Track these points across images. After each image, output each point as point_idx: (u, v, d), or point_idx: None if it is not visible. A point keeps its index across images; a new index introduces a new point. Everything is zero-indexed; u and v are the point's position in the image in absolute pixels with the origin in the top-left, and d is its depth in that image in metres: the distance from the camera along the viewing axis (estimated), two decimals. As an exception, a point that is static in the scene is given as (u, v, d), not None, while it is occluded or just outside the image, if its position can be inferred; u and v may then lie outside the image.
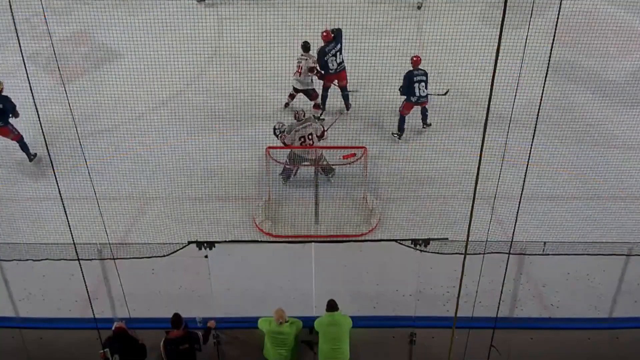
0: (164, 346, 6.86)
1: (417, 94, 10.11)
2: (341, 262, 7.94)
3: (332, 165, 9.48)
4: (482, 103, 10.37)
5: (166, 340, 6.87)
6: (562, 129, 10.02)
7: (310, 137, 9.22)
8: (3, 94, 9.64)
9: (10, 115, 9.67)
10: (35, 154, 10.07)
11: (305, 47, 10.51)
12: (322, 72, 10.57)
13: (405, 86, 10.11)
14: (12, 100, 9.64)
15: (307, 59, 10.48)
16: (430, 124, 10.71)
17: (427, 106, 10.49)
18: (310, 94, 10.74)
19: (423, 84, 10.15)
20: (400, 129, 10.46)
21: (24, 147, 9.98)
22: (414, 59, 10.16)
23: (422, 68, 10.20)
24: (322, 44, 10.50)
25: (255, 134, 10.00)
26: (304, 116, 9.48)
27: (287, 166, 9.37)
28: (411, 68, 10.14)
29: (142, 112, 10.61)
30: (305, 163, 9.38)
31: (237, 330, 7.36)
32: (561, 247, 7.36)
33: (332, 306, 6.92)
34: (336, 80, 10.74)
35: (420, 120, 10.60)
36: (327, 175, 9.55)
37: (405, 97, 10.20)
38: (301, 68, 10.51)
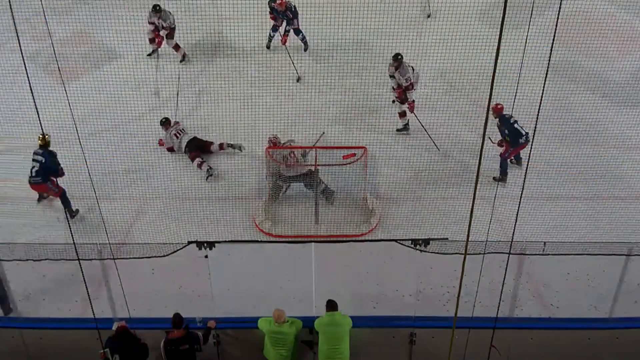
0: (164, 346, 6.86)
1: None
2: (341, 262, 7.93)
3: (333, 164, 9.42)
4: (482, 103, 10.36)
5: (166, 341, 6.87)
6: (562, 129, 10.00)
7: (292, 155, 9.13)
8: (50, 148, 8.85)
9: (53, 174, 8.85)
10: (77, 210, 9.18)
11: None
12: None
13: None
14: (57, 156, 8.82)
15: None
16: None
17: None
18: None
19: None
20: (503, 172, 9.63)
21: (65, 202, 8.99)
22: None
23: None
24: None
25: (255, 134, 10.00)
26: (280, 140, 9.34)
27: (278, 182, 9.31)
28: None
29: (142, 112, 10.60)
30: (296, 177, 9.22)
31: (237, 330, 7.35)
32: (561, 247, 7.35)
33: (332, 306, 6.92)
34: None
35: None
36: (329, 199, 9.31)
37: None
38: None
